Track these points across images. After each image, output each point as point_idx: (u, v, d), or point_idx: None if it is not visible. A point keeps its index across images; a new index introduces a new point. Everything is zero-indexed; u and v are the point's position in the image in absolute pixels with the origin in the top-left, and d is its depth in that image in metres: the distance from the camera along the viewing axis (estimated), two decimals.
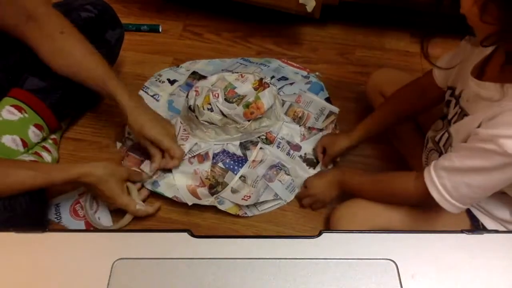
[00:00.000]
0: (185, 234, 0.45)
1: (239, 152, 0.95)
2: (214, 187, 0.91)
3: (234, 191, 0.91)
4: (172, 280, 0.42)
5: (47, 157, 0.94)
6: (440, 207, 0.65)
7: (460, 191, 0.62)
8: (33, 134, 0.91)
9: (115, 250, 0.44)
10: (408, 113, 0.89)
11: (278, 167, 0.95)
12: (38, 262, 0.44)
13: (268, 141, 0.98)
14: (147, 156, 0.94)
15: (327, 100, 1.11)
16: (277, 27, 1.32)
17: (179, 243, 0.45)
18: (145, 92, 1.12)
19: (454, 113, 0.69)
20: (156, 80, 1.15)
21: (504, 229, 0.72)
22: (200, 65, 1.20)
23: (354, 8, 1.28)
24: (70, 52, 0.86)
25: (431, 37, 0.60)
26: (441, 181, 0.63)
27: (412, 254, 0.44)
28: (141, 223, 0.91)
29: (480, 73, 0.62)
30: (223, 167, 0.93)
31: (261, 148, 0.96)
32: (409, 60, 1.24)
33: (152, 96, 1.11)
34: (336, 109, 1.06)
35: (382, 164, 1.01)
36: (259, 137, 0.97)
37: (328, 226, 0.87)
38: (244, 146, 0.96)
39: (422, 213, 0.77)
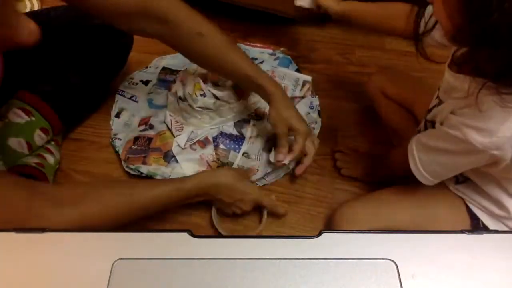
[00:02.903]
0: (185, 234, 0.45)
1: (235, 132, 0.99)
2: None
3: (240, 167, 0.94)
4: (172, 280, 0.42)
5: (50, 158, 0.94)
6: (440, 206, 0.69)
7: (432, 167, 0.68)
8: (38, 137, 0.91)
9: (115, 250, 0.44)
10: (388, 25, 0.89)
11: (274, 139, 0.97)
12: (38, 262, 0.44)
13: (258, 117, 1.02)
14: (146, 152, 0.95)
15: (297, 71, 1.16)
16: (276, 27, 1.32)
17: (179, 243, 0.45)
18: (122, 95, 1.12)
19: (434, 104, 0.72)
20: (129, 83, 1.15)
21: (503, 226, 0.72)
22: (166, 61, 1.22)
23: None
24: (208, 54, 0.82)
25: (423, 36, 0.63)
26: (418, 153, 0.69)
27: (412, 254, 0.44)
28: (141, 223, 0.91)
29: (457, 66, 0.64)
30: (225, 147, 0.96)
31: (254, 124, 1.00)
32: (409, 60, 1.24)
33: (129, 98, 1.12)
34: (309, 78, 1.12)
35: None
36: (249, 114, 1.01)
37: (328, 226, 0.87)
38: (238, 125, 1.00)
39: (423, 212, 0.78)
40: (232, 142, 0.97)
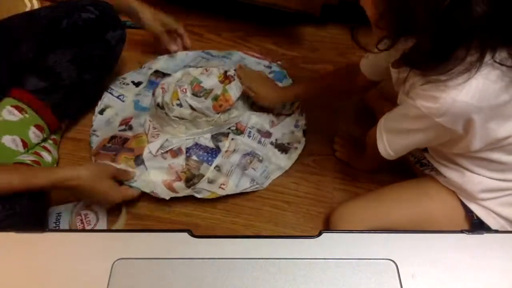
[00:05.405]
0: (185, 234, 0.45)
1: (211, 145, 0.97)
2: (191, 179, 0.92)
3: (210, 181, 0.92)
4: (172, 280, 0.42)
5: (47, 157, 0.94)
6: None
7: (396, 146, 0.72)
8: (33, 135, 0.91)
9: (115, 250, 0.44)
10: (339, 89, 0.99)
11: (251, 155, 0.97)
12: (38, 262, 0.44)
13: (239, 131, 1.00)
14: (118, 150, 0.96)
15: None
16: (277, 27, 1.32)
17: (179, 243, 0.45)
18: (110, 93, 1.12)
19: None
20: (120, 83, 1.15)
21: (496, 216, 0.73)
22: (160, 63, 1.20)
23: (354, 8, 1.28)
24: None
25: (358, 27, 0.67)
26: (386, 134, 0.73)
27: (412, 254, 0.44)
28: (141, 223, 0.91)
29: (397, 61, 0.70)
30: (197, 159, 0.94)
31: (232, 138, 0.98)
32: None
33: (117, 97, 1.11)
34: None
35: None
36: (229, 128, 0.99)
37: (328, 226, 0.87)
38: (215, 138, 0.98)
39: (419, 210, 0.78)
40: (206, 154, 0.95)
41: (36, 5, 1.34)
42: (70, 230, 0.83)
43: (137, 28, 1.31)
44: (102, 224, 0.90)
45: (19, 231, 0.46)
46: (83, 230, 0.84)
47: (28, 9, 1.31)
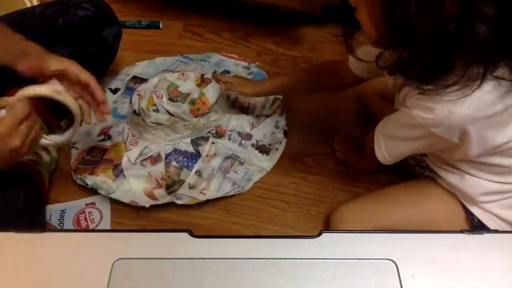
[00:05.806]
0: (185, 234, 0.45)
1: (191, 149, 0.96)
2: (171, 186, 0.91)
3: (191, 186, 0.92)
4: (172, 280, 0.42)
5: (45, 156, 0.94)
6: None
7: (393, 152, 0.73)
8: None
9: (115, 250, 0.44)
10: (322, 85, 0.97)
11: (232, 158, 0.96)
12: (38, 262, 0.44)
13: (219, 134, 0.99)
14: (97, 163, 0.94)
15: None
16: (277, 27, 1.32)
17: (179, 243, 0.45)
18: None
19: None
20: None
21: (497, 220, 0.73)
22: (139, 69, 1.19)
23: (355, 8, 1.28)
24: None
25: (354, 32, 0.66)
26: (383, 139, 0.73)
27: (412, 254, 0.44)
28: (141, 223, 0.91)
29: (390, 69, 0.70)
30: (177, 165, 0.93)
31: (212, 142, 0.97)
32: None
33: None
34: (280, 95, 1.09)
35: None
36: (209, 132, 0.98)
37: (328, 226, 0.87)
38: (195, 143, 0.97)
39: (419, 212, 0.78)
40: (186, 159, 0.94)
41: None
42: (70, 230, 0.83)
43: (135, 28, 1.32)
44: (106, 222, 0.90)
45: (19, 231, 0.46)
46: (83, 230, 0.84)
47: None
